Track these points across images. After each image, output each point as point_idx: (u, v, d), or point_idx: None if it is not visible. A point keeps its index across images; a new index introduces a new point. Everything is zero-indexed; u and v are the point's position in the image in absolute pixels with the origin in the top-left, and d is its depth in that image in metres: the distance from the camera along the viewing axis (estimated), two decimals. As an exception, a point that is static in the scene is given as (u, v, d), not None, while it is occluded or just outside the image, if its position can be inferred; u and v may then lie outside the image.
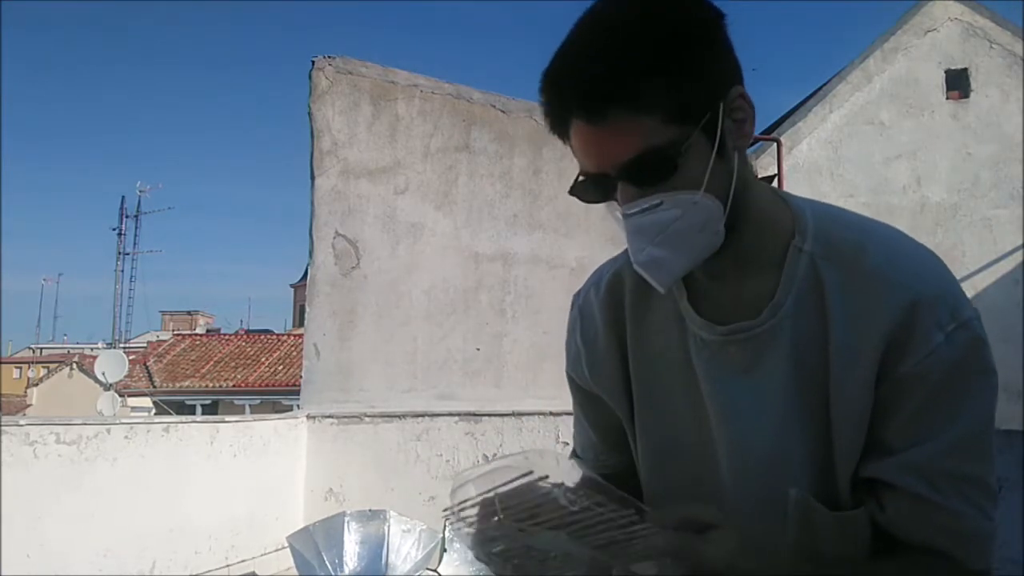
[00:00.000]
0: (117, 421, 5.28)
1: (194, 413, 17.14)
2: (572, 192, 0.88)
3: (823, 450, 0.88)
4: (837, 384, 0.86)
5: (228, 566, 5.63)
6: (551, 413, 6.34)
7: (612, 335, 1.02)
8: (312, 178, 7.31)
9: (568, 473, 0.86)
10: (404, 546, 4.86)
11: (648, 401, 1.00)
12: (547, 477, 0.81)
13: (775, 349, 0.89)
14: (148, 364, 20.90)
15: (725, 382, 0.92)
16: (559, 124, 0.85)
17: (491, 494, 0.82)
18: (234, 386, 19.82)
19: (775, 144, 7.08)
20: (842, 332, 0.86)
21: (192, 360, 21.19)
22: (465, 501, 0.84)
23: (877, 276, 0.86)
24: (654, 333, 0.99)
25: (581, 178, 0.86)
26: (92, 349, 36.35)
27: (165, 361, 21.05)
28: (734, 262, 0.90)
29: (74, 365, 30.58)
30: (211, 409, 18.80)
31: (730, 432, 0.92)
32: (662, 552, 0.80)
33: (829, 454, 0.88)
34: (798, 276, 0.89)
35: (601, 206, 0.88)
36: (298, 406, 7.15)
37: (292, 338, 22.29)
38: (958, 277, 0.91)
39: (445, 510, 0.86)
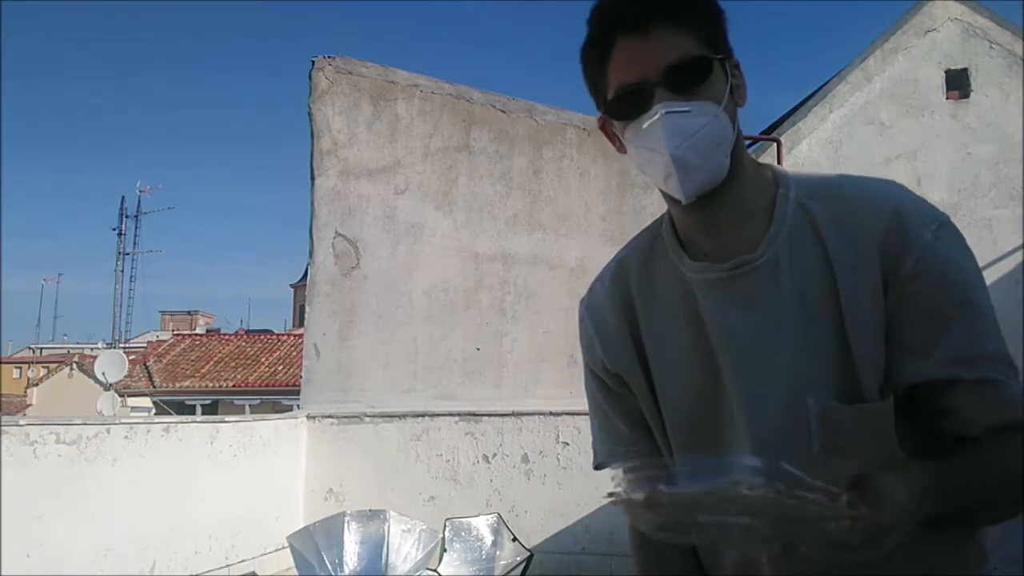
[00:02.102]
0: (117, 421, 5.27)
1: (194, 413, 17.13)
2: (607, 111, 1.00)
3: (842, 365, 0.94)
4: (847, 297, 0.94)
5: (228, 566, 5.63)
6: (551, 413, 6.34)
7: (622, 318, 1.10)
8: (312, 178, 7.31)
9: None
10: (404, 546, 4.86)
11: (665, 369, 1.06)
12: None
13: (777, 277, 0.97)
14: (148, 364, 20.90)
15: (734, 317, 0.99)
16: (603, 46, 0.97)
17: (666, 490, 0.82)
18: (234, 386, 19.81)
19: (775, 144, 7.08)
20: (840, 251, 0.95)
21: (192, 360, 21.18)
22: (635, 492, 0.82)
23: (860, 197, 0.98)
24: (661, 303, 1.07)
25: (616, 98, 0.98)
26: (92, 349, 36.33)
27: (165, 361, 21.05)
28: (728, 215, 1.00)
29: (74, 365, 30.57)
30: (211, 409, 18.79)
31: (743, 363, 0.98)
32: (864, 533, 0.79)
33: (850, 367, 0.94)
34: (788, 215, 0.99)
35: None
36: (298, 406, 7.15)
37: (292, 338, 22.28)
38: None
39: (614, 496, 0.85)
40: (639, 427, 1.13)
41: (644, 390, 1.09)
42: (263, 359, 20.99)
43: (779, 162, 6.96)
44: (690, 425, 1.05)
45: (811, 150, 7.39)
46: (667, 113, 0.93)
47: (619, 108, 0.97)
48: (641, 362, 1.08)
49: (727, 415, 1.00)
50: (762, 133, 8.03)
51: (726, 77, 0.96)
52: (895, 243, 0.92)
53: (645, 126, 0.94)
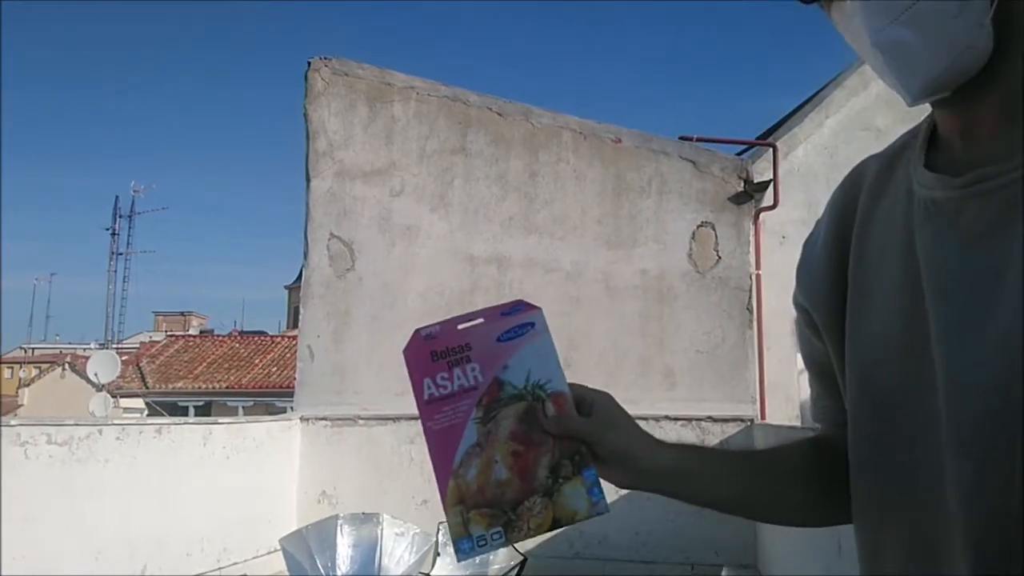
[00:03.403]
0: (109, 422, 5.25)
1: (187, 415, 17.08)
2: None
3: None
4: None
5: (220, 569, 5.61)
6: (545, 416, 6.33)
7: (835, 234, 0.84)
8: (307, 180, 7.30)
9: None
10: (397, 549, 4.84)
11: (860, 310, 0.79)
12: None
13: None
14: (141, 365, 20.85)
15: (952, 255, 0.69)
16: None
17: None
18: (227, 387, 19.77)
19: (771, 149, 7.09)
20: None
21: (185, 361, 21.15)
22: None
23: None
24: (881, 223, 0.79)
25: None
26: (84, 349, 36.29)
27: (158, 362, 21.00)
28: (1000, 111, 0.69)
29: (66, 365, 30.43)
30: (204, 411, 18.75)
31: (952, 323, 0.67)
32: None
33: None
34: None
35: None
36: (292, 408, 7.14)
37: (286, 340, 22.25)
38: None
39: None
40: (822, 380, 0.88)
41: (835, 336, 0.82)
42: (257, 361, 20.96)
43: (775, 167, 6.97)
44: (876, 396, 0.76)
45: (807, 155, 7.40)
46: None
47: None
48: (835, 291, 0.82)
49: (928, 391, 0.69)
50: (758, 138, 8.05)
51: None
52: None
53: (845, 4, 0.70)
